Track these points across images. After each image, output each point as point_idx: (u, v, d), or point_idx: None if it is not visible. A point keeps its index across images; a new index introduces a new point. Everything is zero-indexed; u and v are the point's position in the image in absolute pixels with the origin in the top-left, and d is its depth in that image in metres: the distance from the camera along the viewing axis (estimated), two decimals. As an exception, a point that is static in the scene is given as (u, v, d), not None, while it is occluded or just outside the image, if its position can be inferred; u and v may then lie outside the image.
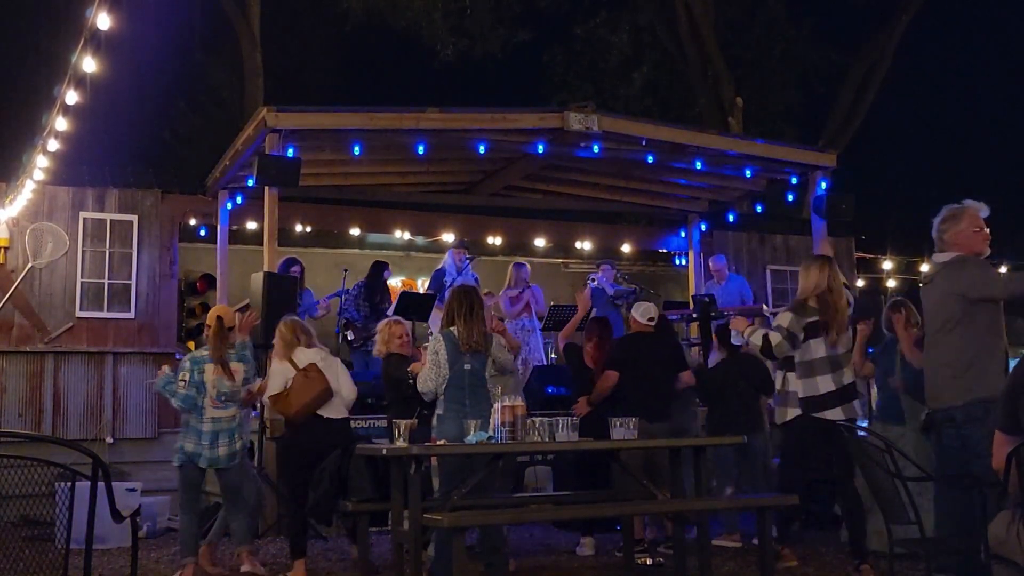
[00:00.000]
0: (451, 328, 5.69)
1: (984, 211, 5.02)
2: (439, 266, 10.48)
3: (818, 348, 5.91)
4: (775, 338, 5.98)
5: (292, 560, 6.29)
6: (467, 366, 5.66)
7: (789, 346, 5.95)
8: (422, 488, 5.40)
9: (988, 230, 5.01)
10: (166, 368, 6.48)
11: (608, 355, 7.25)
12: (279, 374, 6.28)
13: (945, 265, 4.95)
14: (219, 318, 6.33)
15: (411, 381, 6.31)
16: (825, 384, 5.89)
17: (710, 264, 11.41)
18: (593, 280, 10.67)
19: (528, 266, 10.86)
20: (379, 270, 10.50)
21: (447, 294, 6.28)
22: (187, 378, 6.17)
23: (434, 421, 5.68)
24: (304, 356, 6.33)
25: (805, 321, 5.92)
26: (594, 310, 9.42)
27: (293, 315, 6.92)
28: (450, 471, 5.54)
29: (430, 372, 5.64)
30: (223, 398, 6.21)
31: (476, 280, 10.23)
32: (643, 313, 7.28)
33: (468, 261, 10.33)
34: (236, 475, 6.39)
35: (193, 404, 6.17)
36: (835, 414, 5.83)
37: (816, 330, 5.93)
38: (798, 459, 6.02)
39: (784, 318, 6.01)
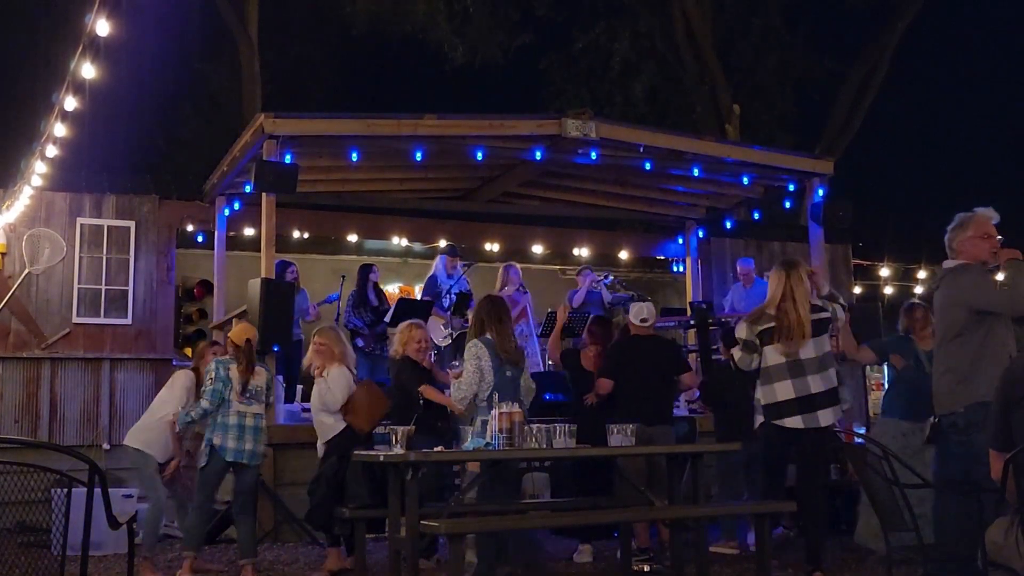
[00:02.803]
0: (486, 335, 5.74)
1: (994, 218, 5.08)
2: (431, 272, 10.41)
3: (775, 355, 5.79)
4: (736, 353, 5.97)
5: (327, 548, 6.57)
6: (508, 374, 5.80)
7: (749, 356, 5.87)
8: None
9: (999, 237, 5.06)
10: (180, 410, 6.60)
11: (603, 360, 7.21)
12: (342, 379, 6.50)
13: (948, 272, 5.01)
14: (248, 340, 6.48)
15: (421, 402, 6.42)
16: (784, 391, 5.74)
17: (737, 267, 11.25)
18: (597, 285, 10.64)
19: (518, 267, 10.54)
20: (364, 273, 10.44)
21: (473, 303, 6.40)
22: (213, 376, 6.31)
23: (477, 426, 5.78)
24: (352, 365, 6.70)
25: (759, 328, 5.83)
26: (591, 314, 9.41)
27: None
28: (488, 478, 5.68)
29: (472, 378, 5.76)
30: (248, 394, 6.34)
31: (468, 287, 10.18)
32: (636, 314, 7.18)
33: (464, 266, 10.27)
34: (253, 478, 6.50)
35: (221, 398, 6.28)
36: (794, 422, 5.72)
37: (771, 337, 5.81)
38: (769, 467, 5.96)
39: (740, 329, 5.97)
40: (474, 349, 5.86)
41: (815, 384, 5.75)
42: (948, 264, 5.07)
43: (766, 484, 5.99)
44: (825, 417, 5.77)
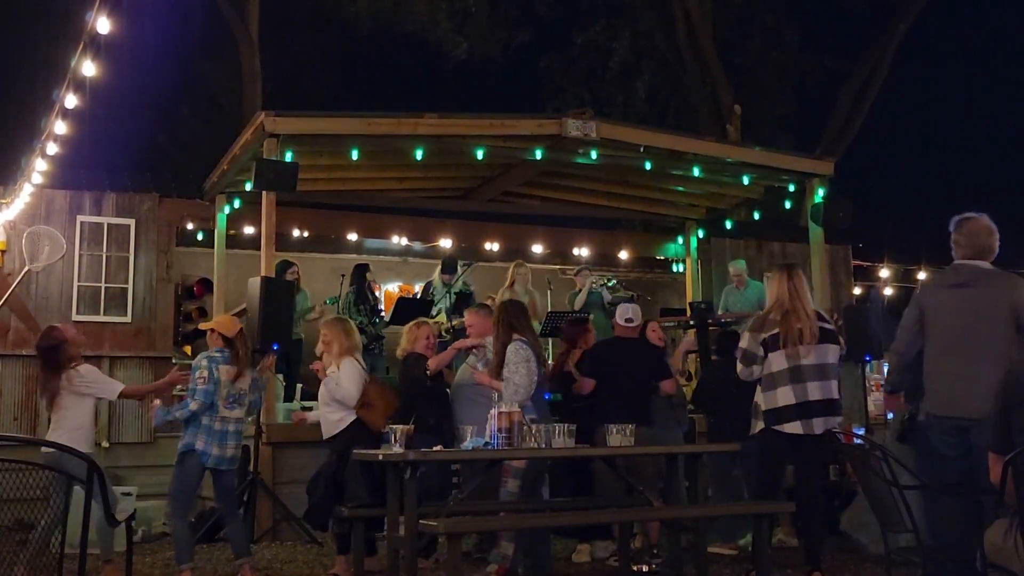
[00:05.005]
0: (523, 337, 5.93)
1: None
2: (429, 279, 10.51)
3: (779, 361, 5.74)
4: (738, 364, 5.95)
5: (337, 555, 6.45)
6: (542, 371, 6.00)
7: (749, 368, 5.85)
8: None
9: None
10: (157, 401, 6.30)
11: (585, 359, 7.17)
12: (354, 372, 6.42)
13: (984, 273, 4.92)
14: (241, 331, 6.33)
15: (429, 383, 6.48)
16: (785, 397, 5.70)
17: (729, 269, 11.23)
18: (605, 284, 10.64)
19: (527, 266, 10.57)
20: (361, 272, 10.45)
21: (496, 306, 6.56)
22: (205, 375, 6.03)
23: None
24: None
25: (763, 336, 5.79)
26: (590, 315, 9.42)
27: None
28: (533, 474, 5.88)
29: (526, 379, 5.83)
30: (232, 399, 6.17)
31: (471, 291, 10.21)
32: (620, 315, 7.14)
33: (464, 265, 10.32)
34: (234, 479, 6.43)
35: (212, 402, 6.04)
36: (794, 427, 5.68)
37: (777, 343, 5.77)
38: (766, 473, 5.96)
39: (743, 339, 5.94)
40: (522, 352, 5.89)
41: (812, 392, 5.72)
42: (983, 265, 4.95)
43: (763, 489, 5.98)
44: (819, 425, 5.75)
